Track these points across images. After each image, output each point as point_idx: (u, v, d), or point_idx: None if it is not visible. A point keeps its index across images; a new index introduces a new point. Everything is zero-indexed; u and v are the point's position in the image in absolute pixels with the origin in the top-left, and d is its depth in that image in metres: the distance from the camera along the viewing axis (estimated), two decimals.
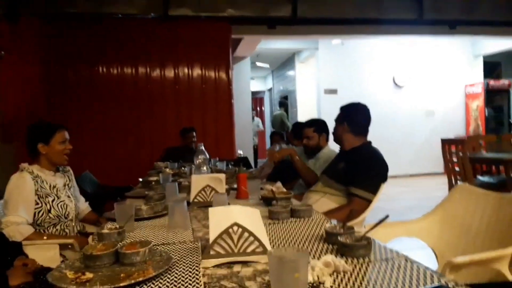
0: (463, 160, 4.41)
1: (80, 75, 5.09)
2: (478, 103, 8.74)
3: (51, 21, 4.97)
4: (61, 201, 2.11)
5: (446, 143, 4.74)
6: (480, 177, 4.78)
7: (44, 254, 1.83)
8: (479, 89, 8.73)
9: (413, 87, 8.91)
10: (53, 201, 2.07)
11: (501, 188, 4.20)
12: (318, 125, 3.07)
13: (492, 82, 8.82)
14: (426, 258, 2.04)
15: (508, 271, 1.52)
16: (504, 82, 9.06)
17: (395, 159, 7.94)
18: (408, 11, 5.68)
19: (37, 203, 2.02)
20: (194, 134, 4.68)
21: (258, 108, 14.54)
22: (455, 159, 4.68)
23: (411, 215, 2.08)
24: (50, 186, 2.11)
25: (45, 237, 1.97)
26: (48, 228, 2.06)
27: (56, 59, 4.99)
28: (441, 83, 8.99)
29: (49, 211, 2.05)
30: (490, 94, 8.71)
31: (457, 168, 4.66)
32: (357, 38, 7.09)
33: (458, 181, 4.65)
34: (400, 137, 8.69)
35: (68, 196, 2.19)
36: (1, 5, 4.69)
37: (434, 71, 8.96)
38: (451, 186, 4.75)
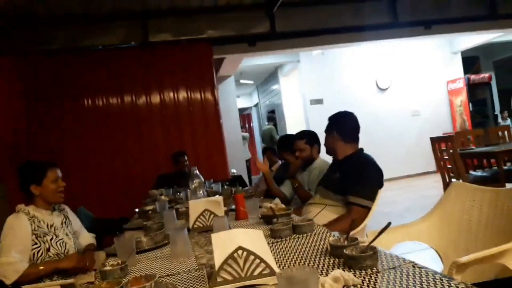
0: (454, 156, 4.46)
1: (63, 109, 5.05)
2: (462, 98, 8.89)
3: (30, 58, 4.96)
4: (59, 240, 2.10)
5: (435, 141, 4.79)
6: (472, 172, 4.83)
7: None
8: (461, 84, 8.89)
9: (396, 89, 9.04)
10: (51, 239, 2.06)
11: (494, 181, 4.25)
12: (309, 136, 3.08)
13: (473, 77, 9.00)
14: (430, 258, 2.04)
15: None
16: (484, 75, 9.25)
17: (387, 162, 7.94)
18: (384, 15, 5.80)
19: (36, 243, 2.01)
20: (186, 157, 4.66)
21: (247, 125, 14.58)
22: (446, 157, 4.73)
23: (410, 216, 2.09)
24: (47, 225, 2.10)
25: (41, 267, 1.96)
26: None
27: (38, 95, 4.96)
28: (423, 82, 9.14)
29: (48, 249, 2.03)
30: (472, 89, 8.87)
31: (449, 165, 4.70)
32: (337, 47, 7.19)
33: (452, 178, 4.68)
34: (389, 139, 8.77)
35: (67, 234, 2.19)
36: None
37: (415, 71, 9.12)
38: (445, 183, 4.79)
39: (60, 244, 2.09)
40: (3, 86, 4.82)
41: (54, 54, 5.03)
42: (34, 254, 2.00)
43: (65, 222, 2.24)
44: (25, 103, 4.91)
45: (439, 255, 1.95)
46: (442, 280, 0.99)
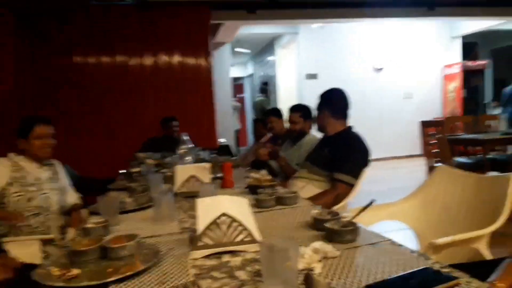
0: (442, 141, 4.51)
1: (53, 65, 4.91)
2: (456, 84, 8.90)
3: (23, 13, 4.77)
4: (43, 193, 2.12)
5: (425, 125, 4.83)
6: (458, 158, 4.91)
7: (26, 250, 1.81)
8: (457, 69, 8.87)
9: (392, 70, 8.99)
10: (34, 191, 2.09)
11: (478, 168, 4.33)
12: (304, 110, 3.08)
13: (469, 63, 8.98)
14: (407, 239, 2.09)
15: (486, 250, 1.58)
16: (480, 62, 9.23)
17: (376, 141, 7.98)
18: None
19: (17, 192, 2.04)
20: (176, 123, 4.61)
21: (239, 94, 14.46)
22: (433, 141, 4.78)
23: (393, 197, 2.12)
24: (34, 178, 2.13)
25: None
26: (29, 218, 2.06)
27: (29, 49, 4.81)
28: (419, 65, 9.09)
29: (29, 200, 2.06)
30: (467, 75, 8.86)
31: (435, 150, 4.76)
32: (337, 21, 7.09)
33: (437, 163, 4.75)
34: (380, 120, 8.80)
35: (52, 189, 2.19)
36: None
37: (413, 53, 9.05)
38: (430, 168, 4.86)
39: (43, 198, 2.11)
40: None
41: (48, 9, 4.84)
42: (15, 201, 2.03)
43: (52, 177, 2.25)
44: (15, 57, 4.76)
45: (417, 235, 2.00)
46: (418, 257, 1.01)
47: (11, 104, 4.67)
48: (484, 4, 6.12)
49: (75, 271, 1.02)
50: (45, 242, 1.95)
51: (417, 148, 7.58)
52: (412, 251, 1.07)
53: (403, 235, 2.22)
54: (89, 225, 1.36)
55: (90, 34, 5.01)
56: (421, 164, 5.44)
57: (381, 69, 8.99)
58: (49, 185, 2.19)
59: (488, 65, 9.56)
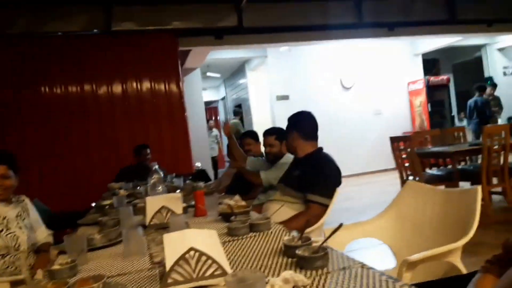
0: (412, 155, 4.62)
1: (21, 96, 4.82)
2: (421, 99, 9.22)
3: None
4: (10, 233, 2.04)
5: (394, 141, 4.95)
6: (429, 171, 5.03)
7: None
8: (421, 85, 9.21)
9: (360, 88, 9.25)
10: (1, 231, 2.01)
11: (449, 179, 4.44)
12: (279, 133, 3.12)
13: (432, 78, 9.34)
14: (385, 254, 2.11)
15: (460, 263, 1.60)
16: (443, 77, 9.62)
17: (349, 159, 8.21)
18: (349, 16, 5.92)
19: None
20: (148, 151, 4.57)
21: (213, 117, 14.47)
22: (404, 155, 4.89)
23: (370, 212, 2.14)
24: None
25: None
26: None
27: None
28: (386, 82, 9.40)
29: None
30: (431, 90, 9.20)
31: (406, 164, 4.87)
32: (303, 44, 7.27)
33: (409, 176, 4.85)
34: (352, 137, 8.97)
35: (20, 228, 2.10)
36: None
37: (379, 71, 9.36)
38: (402, 180, 4.96)
39: (10, 237, 2.03)
40: None
41: (13, 40, 4.77)
42: None
43: (20, 215, 2.17)
44: None
45: (393, 252, 2.02)
46: (387, 281, 1.02)
47: None
48: (441, 23, 6.43)
49: None
50: (15, 284, 1.85)
51: (391, 162, 7.75)
52: (382, 274, 1.07)
53: (380, 251, 2.24)
54: (55, 267, 1.30)
55: (58, 64, 4.96)
56: (395, 178, 5.56)
57: (350, 87, 9.22)
58: (17, 224, 2.10)
59: (450, 79, 9.97)
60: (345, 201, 5.67)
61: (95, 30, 5.01)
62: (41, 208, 3.58)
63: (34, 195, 3.75)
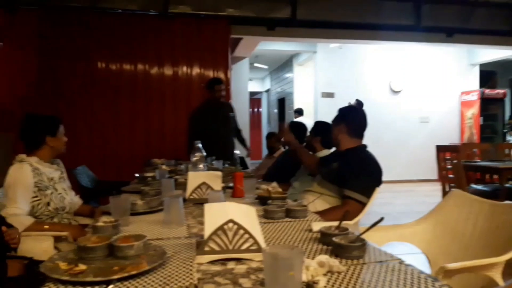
0: (457, 167, 4.44)
1: (76, 68, 5.04)
2: (473, 111, 8.81)
3: (49, 14, 4.95)
4: (58, 194, 2.10)
5: (440, 150, 4.77)
6: (473, 185, 4.81)
7: (39, 245, 1.82)
8: (475, 97, 8.80)
9: (409, 93, 8.97)
10: (51, 193, 2.06)
11: (493, 197, 4.22)
12: (315, 127, 3.10)
13: (487, 91, 8.90)
14: (418, 263, 2.05)
15: (501, 279, 1.53)
16: (499, 91, 9.15)
17: (390, 163, 7.98)
18: (406, 17, 5.73)
19: (36, 196, 2.01)
20: (222, 86, 4.25)
21: (256, 109, 14.54)
22: (449, 166, 4.70)
23: (405, 220, 2.09)
24: (48, 178, 2.10)
25: (46, 226, 1.97)
26: (45, 220, 2.05)
27: (53, 52, 4.95)
28: (437, 90, 9.05)
29: (48, 204, 2.04)
30: (485, 103, 8.78)
31: (451, 175, 4.68)
32: (355, 42, 7.13)
33: (452, 188, 4.67)
34: (395, 142, 8.74)
35: (64, 189, 2.19)
36: None
37: (430, 78, 9.03)
38: (444, 193, 4.78)
39: (59, 198, 2.09)
40: (20, 38, 4.85)
41: (74, 12, 5.01)
42: (33, 206, 2.00)
43: (62, 177, 2.24)
44: (38, 58, 4.92)
45: (428, 259, 1.96)
46: (426, 279, 0.99)
47: (33, 98, 4.81)
48: (504, 33, 6.09)
49: (81, 267, 1.03)
50: (58, 239, 1.94)
51: (433, 173, 7.48)
52: (421, 272, 1.05)
53: (414, 259, 2.18)
54: (99, 224, 1.37)
55: (114, 40, 5.14)
56: (435, 189, 5.37)
57: (398, 91, 8.97)
58: (61, 185, 2.17)
59: (507, 94, 9.46)
60: (380, 206, 5.54)
61: (152, 11, 5.15)
62: (88, 174, 3.78)
63: (82, 162, 3.98)
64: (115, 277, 0.97)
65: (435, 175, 7.53)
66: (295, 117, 9.60)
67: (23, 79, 4.87)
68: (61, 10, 4.97)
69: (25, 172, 1.99)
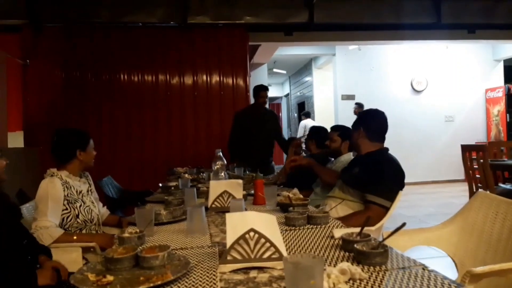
0: (484, 167, 4.32)
1: (100, 81, 5.22)
2: (499, 108, 8.56)
3: (74, 29, 5.13)
4: (86, 206, 2.17)
5: (466, 149, 4.65)
6: (501, 185, 4.68)
7: (68, 256, 1.88)
8: (500, 93, 8.55)
9: (431, 92, 8.80)
10: (80, 206, 2.13)
11: None
12: (343, 130, 3.09)
13: None
14: (446, 267, 2.01)
15: None
16: None
17: (414, 165, 7.88)
18: (426, 15, 5.64)
19: (66, 208, 2.08)
20: (266, 94, 4.39)
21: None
22: (475, 166, 4.59)
23: (431, 222, 2.06)
24: (77, 191, 2.17)
25: (75, 237, 2.02)
26: (74, 232, 2.11)
27: (78, 66, 5.15)
28: (460, 87, 8.85)
29: (77, 216, 2.11)
30: (511, 99, 8.52)
31: (477, 175, 4.56)
32: (374, 44, 7.06)
33: (479, 189, 4.55)
34: (419, 143, 8.58)
35: (92, 202, 2.26)
36: (25, 14, 4.89)
37: (453, 75, 8.84)
38: (471, 193, 4.66)
39: (87, 211, 2.16)
40: (46, 54, 5.05)
41: (96, 28, 5.18)
42: (63, 219, 2.07)
43: (90, 190, 2.31)
44: (64, 73, 5.12)
45: (455, 263, 1.92)
46: (450, 286, 0.98)
47: (60, 113, 4.99)
48: None
49: (109, 278, 1.06)
50: (86, 250, 2.00)
51: (460, 173, 7.30)
52: (444, 278, 1.03)
53: (441, 263, 2.14)
54: (125, 235, 1.42)
55: (136, 53, 5.29)
56: (462, 190, 5.24)
57: (421, 91, 8.81)
58: (89, 198, 2.24)
59: None
60: (406, 208, 5.46)
61: (172, 23, 5.26)
62: (114, 185, 3.89)
63: (107, 172, 4.09)
64: (141, 287, 1.00)
65: (462, 175, 7.35)
66: (303, 119, 9.61)
67: (50, 95, 5.07)
68: (85, 25, 5.14)
69: (56, 185, 2.06)
